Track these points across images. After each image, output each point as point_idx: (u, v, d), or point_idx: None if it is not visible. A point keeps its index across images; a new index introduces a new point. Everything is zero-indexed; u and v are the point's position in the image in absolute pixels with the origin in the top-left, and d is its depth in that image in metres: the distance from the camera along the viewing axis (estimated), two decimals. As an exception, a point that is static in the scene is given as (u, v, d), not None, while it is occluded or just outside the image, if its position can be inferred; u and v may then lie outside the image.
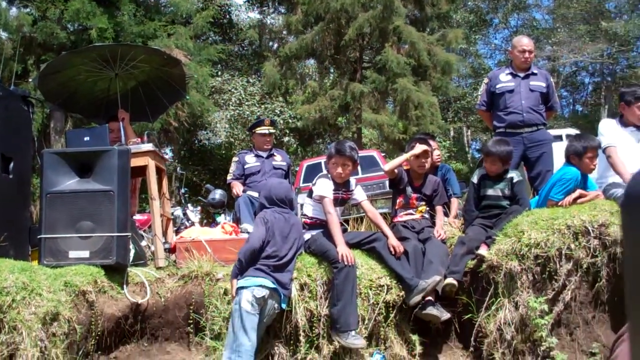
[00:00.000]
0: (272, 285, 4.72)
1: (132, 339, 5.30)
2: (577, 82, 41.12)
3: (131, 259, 5.58)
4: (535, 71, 6.70)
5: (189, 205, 9.59)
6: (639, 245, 0.86)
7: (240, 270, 4.81)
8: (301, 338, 4.97)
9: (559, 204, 5.41)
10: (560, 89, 37.46)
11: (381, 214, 6.29)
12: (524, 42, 6.73)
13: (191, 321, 5.22)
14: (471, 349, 5.16)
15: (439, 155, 6.70)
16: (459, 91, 31.77)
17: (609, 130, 5.67)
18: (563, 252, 4.98)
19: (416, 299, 4.97)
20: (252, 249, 4.83)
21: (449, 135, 32.82)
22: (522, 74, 6.59)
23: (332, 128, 21.58)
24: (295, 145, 22.81)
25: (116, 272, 5.33)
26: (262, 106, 21.62)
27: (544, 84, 6.61)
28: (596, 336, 5.00)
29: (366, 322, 5.05)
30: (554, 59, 34.10)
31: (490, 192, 5.62)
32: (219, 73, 22.69)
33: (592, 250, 5.01)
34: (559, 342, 4.92)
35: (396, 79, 18.34)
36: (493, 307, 5.06)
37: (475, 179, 5.73)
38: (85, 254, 5.21)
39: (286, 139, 21.82)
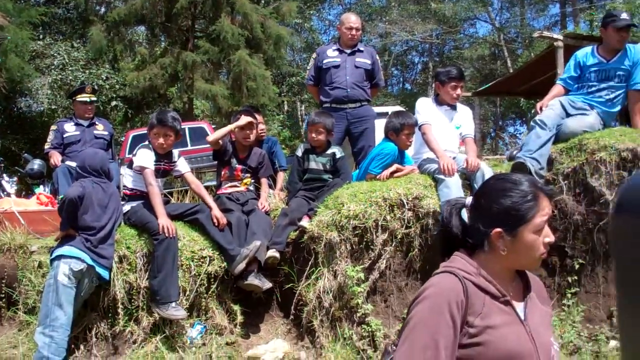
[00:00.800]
0: (90, 262, 4.60)
1: (-63, 314, 4.99)
2: (407, 61, 42.95)
3: None
4: (361, 48, 6.91)
5: (5, 175, 9.03)
6: (634, 250, 0.89)
7: (72, 214, 4.65)
8: (120, 310, 4.91)
9: (377, 177, 5.65)
10: (390, 67, 38.92)
11: (210, 186, 6.25)
12: (352, 19, 6.90)
13: (3, 295, 5.01)
14: (291, 317, 5.30)
15: (263, 129, 6.72)
16: (294, 66, 32.04)
17: (424, 108, 5.94)
18: (379, 223, 5.22)
19: (240, 266, 5.02)
20: (73, 196, 4.65)
21: (282, 108, 33.10)
22: (348, 51, 6.76)
23: (162, 97, 20.98)
24: (122, 114, 21.92)
25: None
26: (87, 71, 20.49)
27: (369, 61, 6.82)
28: (409, 302, 5.25)
29: (187, 293, 5.04)
30: (386, 37, 35.30)
31: (313, 165, 5.76)
32: (41, 37, 21.23)
33: (406, 221, 5.29)
34: (374, 309, 5.18)
35: (231, 51, 18.13)
36: (313, 277, 5.23)
37: (299, 152, 5.84)
38: None
39: (114, 103, 20.86)
